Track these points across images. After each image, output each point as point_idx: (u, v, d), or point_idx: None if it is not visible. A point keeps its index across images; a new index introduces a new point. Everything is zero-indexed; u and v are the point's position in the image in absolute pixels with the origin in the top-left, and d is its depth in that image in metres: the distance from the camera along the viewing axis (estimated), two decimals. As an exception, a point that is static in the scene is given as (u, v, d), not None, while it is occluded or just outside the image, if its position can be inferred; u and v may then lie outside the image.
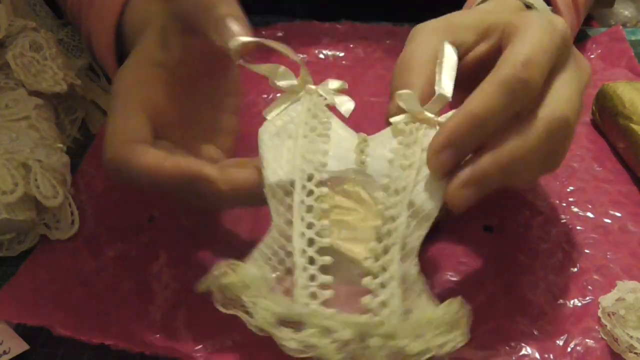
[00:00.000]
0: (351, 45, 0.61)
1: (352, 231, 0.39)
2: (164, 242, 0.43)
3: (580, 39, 0.62)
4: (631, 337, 0.35)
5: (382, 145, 0.36)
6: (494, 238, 0.43)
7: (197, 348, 0.37)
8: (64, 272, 0.41)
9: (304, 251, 0.33)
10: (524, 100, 0.36)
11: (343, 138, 0.37)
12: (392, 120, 0.37)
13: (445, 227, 0.44)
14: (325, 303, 0.32)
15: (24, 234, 0.43)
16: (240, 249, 0.43)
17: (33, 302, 0.39)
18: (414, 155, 0.35)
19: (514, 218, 0.44)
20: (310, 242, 0.33)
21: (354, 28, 0.63)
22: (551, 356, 0.36)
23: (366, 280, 0.32)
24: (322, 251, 0.33)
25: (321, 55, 0.59)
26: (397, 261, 0.33)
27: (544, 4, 0.48)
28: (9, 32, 0.51)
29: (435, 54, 0.39)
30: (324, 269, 0.33)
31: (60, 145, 0.47)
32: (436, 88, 0.37)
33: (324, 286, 0.32)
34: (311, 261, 0.33)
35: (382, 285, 0.32)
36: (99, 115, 0.54)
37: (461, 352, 0.36)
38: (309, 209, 0.34)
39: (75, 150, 0.51)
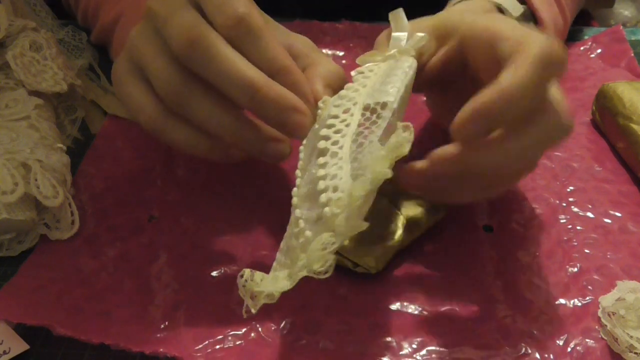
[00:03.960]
0: (351, 45, 0.61)
1: None
2: (164, 242, 0.43)
3: (580, 39, 0.62)
4: (631, 337, 0.35)
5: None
6: (494, 238, 0.43)
7: (197, 348, 0.37)
8: (64, 272, 0.41)
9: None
10: (552, 79, 0.35)
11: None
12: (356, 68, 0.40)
13: (445, 227, 0.44)
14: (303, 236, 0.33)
15: (24, 234, 0.43)
16: (240, 249, 0.43)
17: (33, 302, 0.39)
18: (369, 74, 0.38)
19: (514, 218, 0.44)
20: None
21: (354, 28, 0.63)
22: (551, 356, 0.36)
23: (320, 184, 0.33)
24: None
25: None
26: (347, 152, 0.34)
27: (517, 3, 0.48)
28: (9, 32, 0.51)
29: None
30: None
31: (60, 145, 0.47)
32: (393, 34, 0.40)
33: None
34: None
35: (333, 177, 0.33)
36: (99, 115, 0.54)
37: (461, 352, 0.36)
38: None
39: (75, 150, 0.51)
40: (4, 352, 0.36)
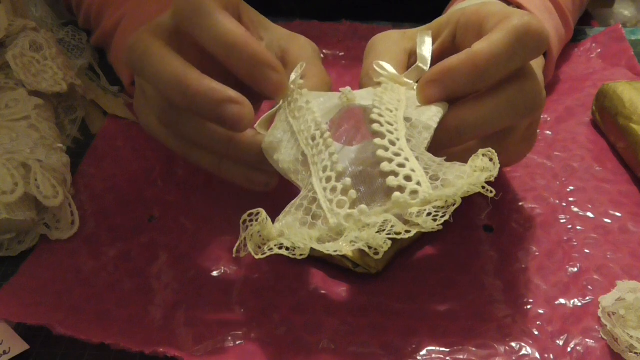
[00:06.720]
0: (351, 46, 0.61)
1: None
2: (164, 242, 0.43)
3: (581, 39, 0.62)
4: (631, 337, 0.35)
5: (365, 95, 0.38)
6: (494, 238, 0.43)
7: (197, 348, 0.37)
8: (64, 272, 0.41)
9: (321, 179, 0.34)
10: (528, 56, 0.36)
11: (326, 98, 0.38)
12: (373, 76, 0.39)
13: (445, 227, 0.44)
14: (354, 205, 0.33)
15: (24, 234, 0.43)
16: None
17: (33, 302, 0.39)
18: (398, 95, 0.37)
19: (514, 218, 0.44)
20: (325, 168, 0.34)
21: (354, 28, 0.63)
22: (551, 356, 0.36)
23: (384, 165, 0.33)
24: (339, 174, 0.34)
25: (321, 55, 0.59)
26: (407, 147, 0.34)
27: None
28: (9, 32, 0.51)
29: (398, 61, 0.40)
30: (343, 181, 0.33)
31: (60, 145, 0.47)
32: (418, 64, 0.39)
33: (346, 191, 0.33)
34: (328, 179, 0.34)
35: (401, 165, 0.33)
36: (99, 115, 0.55)
37: (461, 352, 0.37)
38: (319, 152, 0.35)
39: (75, 150, 0.51)
40: (4, 352, 0.36)
